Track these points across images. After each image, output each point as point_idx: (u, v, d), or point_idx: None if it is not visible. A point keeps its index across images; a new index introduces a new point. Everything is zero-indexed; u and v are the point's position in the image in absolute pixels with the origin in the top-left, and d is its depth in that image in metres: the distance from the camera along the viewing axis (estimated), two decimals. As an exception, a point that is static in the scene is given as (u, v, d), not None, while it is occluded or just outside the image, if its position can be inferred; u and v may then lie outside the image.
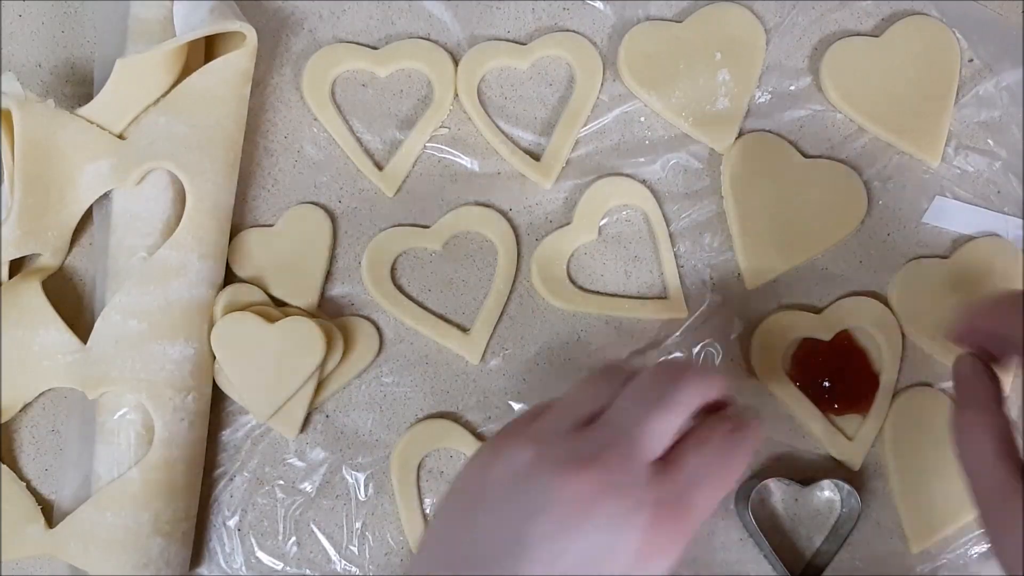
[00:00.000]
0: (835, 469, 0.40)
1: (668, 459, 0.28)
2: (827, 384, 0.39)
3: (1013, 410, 0.39)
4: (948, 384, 0.41)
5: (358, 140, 0.42)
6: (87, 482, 0.38)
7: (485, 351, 0.41)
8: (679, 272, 0.41)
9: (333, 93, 0.42)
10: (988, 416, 0.30)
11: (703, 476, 0.28)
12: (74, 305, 0.40)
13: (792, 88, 0.42)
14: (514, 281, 0.41)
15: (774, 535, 0.40)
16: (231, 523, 0.40)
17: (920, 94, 0.42)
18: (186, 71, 0.39)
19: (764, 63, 0.42)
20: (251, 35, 0.38)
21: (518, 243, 0.41)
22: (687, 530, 0.27)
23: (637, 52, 0.41)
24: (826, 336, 0.40)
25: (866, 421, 0.39)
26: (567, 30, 0.42)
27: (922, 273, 0.41)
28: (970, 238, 0.41)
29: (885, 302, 0.41)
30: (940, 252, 0.42)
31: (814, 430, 0.40)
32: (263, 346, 0.38)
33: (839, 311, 0.40)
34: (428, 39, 0.42)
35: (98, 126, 0.38)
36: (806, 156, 0.42)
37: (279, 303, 0.41)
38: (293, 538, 0.40)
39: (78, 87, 0.42)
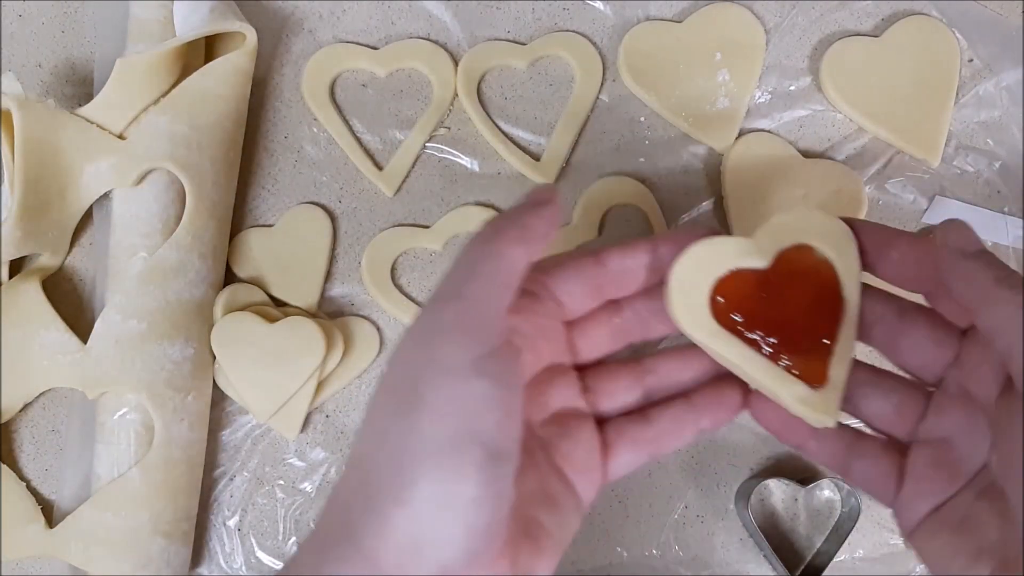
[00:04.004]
0: (835, 469, 0.40)
1: None
2: (773, 325, 0.28)
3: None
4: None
5: (358, 140, 0.42)
6: (87, 482, 0.39)
7: (485, 351, 0.41)
8: (679, 272, 0.41)
9: (333, 93, 0.42)
10: None
11: None
12: (74, 305, 0.40)
13: (792, 88, 0.42)
14: (514, 281, 0.41)
15: (774, 535, 0.40)
16: (231, 523, 0.40)
17: (920, 94, 0.42)
18: (186, 71, 0.39)
19: (764, 63, 0.42)
20: (251, 35, 0.38)
21: (518, 243, 0.41)
22: None
23: (637, 52, 0.42)
24: (762, 263, 0.29)
25: (832, 360, 0.28)
26: (567, 30, 0.42)
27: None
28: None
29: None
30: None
31: (768, 385, 0.28)
32: (263, 346, 0.38)
33: (773, 230, 0.29)
34: (428, 39, 0.42)
35: (98, 126, 0.38)
36: (806, 156, 0.42)
37: (279, 303, 0.41)
38: (293, 538, 0.40)
39: (78, 87, 0.42)
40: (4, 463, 0.39)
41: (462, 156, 0.42)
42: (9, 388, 0.38)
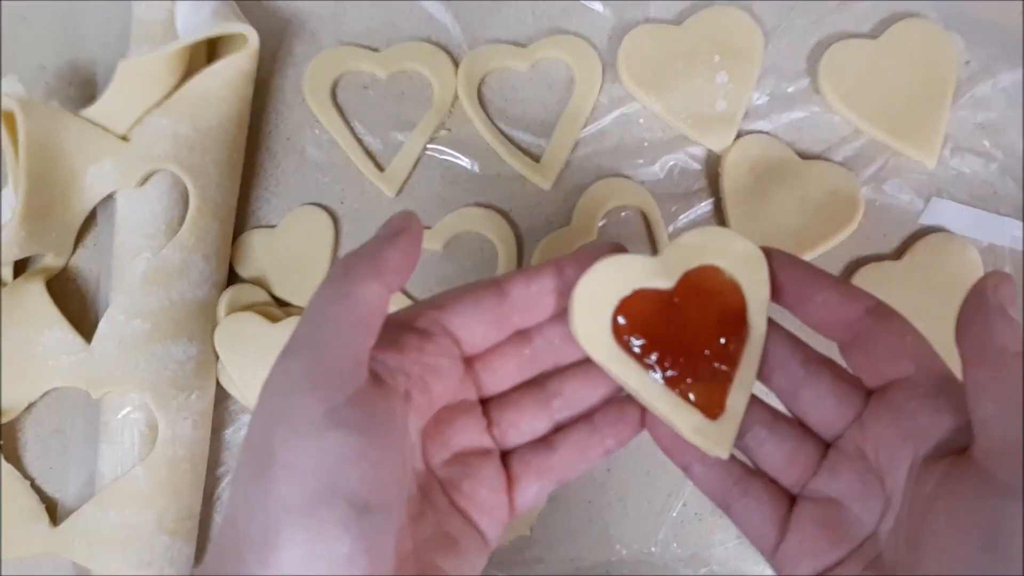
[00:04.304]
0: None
1: None
2: (673, 348, 0.27)
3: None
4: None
5: (359, 142, 0.42)
6: (91, 481, 0.39)
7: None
8: (678, 272, 0.41)
9: (335, 95, 0.42)
10: None
11: None
12: (78, 305, 0.41)
13: (790, 90, 0.43)
14: (514, 281, 0.41)
15: (772, 533, 0.41)
16: (234, 521, 0.40)
17: (917, 96, 0.42)
18: (189, 73, 0.39)
19: (762, 65, 0.42)
20: (253, 37, 0.39)
21: (518, 244, 0.42)
22: None
23: (636, 54, 0.42)
24: (667, 283, 0.28)
25: (732, 388, 0.27)
26: (567, 32, 0.43)
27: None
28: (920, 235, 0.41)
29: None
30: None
31: (664, 413, 0.27)
32: (266, 346, 0.38)
33: (681, 249, 0.28)
34: (429, 41, 0.42)
35: (101, 128, 0.38)
36: (804, 157, 0.42)
37: (282, 303, 0.41)
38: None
39: (81, 89, 0.42)
40: (8, 462, 0.39)
41: (463, 158, 0.42)
42: (13, 387, 0.38)
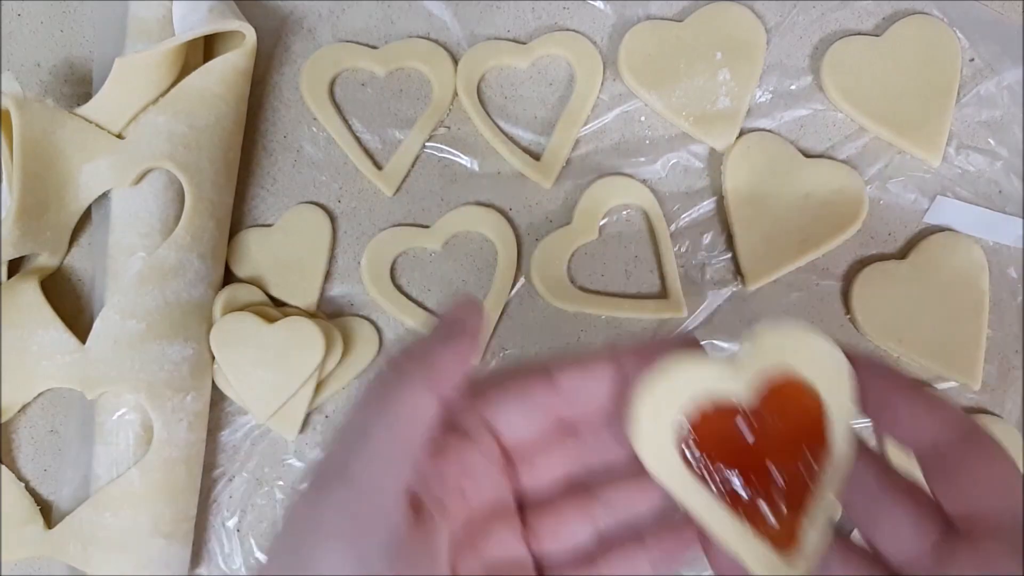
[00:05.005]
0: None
1: None
2: (744, 469, 0.24)
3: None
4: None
5: (357, 140, 0.42)
6: (86, 483, 0.38)
7: (485, 352, 0.41)
8: (679, 272, 0.41)
9: (332, 92, 0.42)
10: None
11: None
12: (73, 305, 0.40)
13: (793, 87, 0.42)
14: (514, 281, 0.41)
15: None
16: (230, 524, 0.40)
17: (921, 93, 0.41)
18: (185, 70, 0.39)
19: (765, 62, 0.42)
20: (250, 34, 0.38)
21: (518, 243, 0.41)
22: None
23: (637, 51, 0.41)
24: (741, 392, 0.24)
25: (806, 520, 0.24)
26: (567, 29, 0.42)
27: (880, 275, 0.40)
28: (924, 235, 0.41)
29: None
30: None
31: (730, 543, 0.24)
32: (262, 346, 0.38)
33: (757, 351, 0.24)
34: (428, 38, 0.42)
35: (97, 125, 0.38)
36: (807, 155, 0.42)
37: (278, 303, 0.41)
38: (292, 539, 0.40)
39: (77, 86, 0.42)
40: (3, 463, 0.39)
41: (462, 156, 0.42)
42: (8, 388, 0.38)
